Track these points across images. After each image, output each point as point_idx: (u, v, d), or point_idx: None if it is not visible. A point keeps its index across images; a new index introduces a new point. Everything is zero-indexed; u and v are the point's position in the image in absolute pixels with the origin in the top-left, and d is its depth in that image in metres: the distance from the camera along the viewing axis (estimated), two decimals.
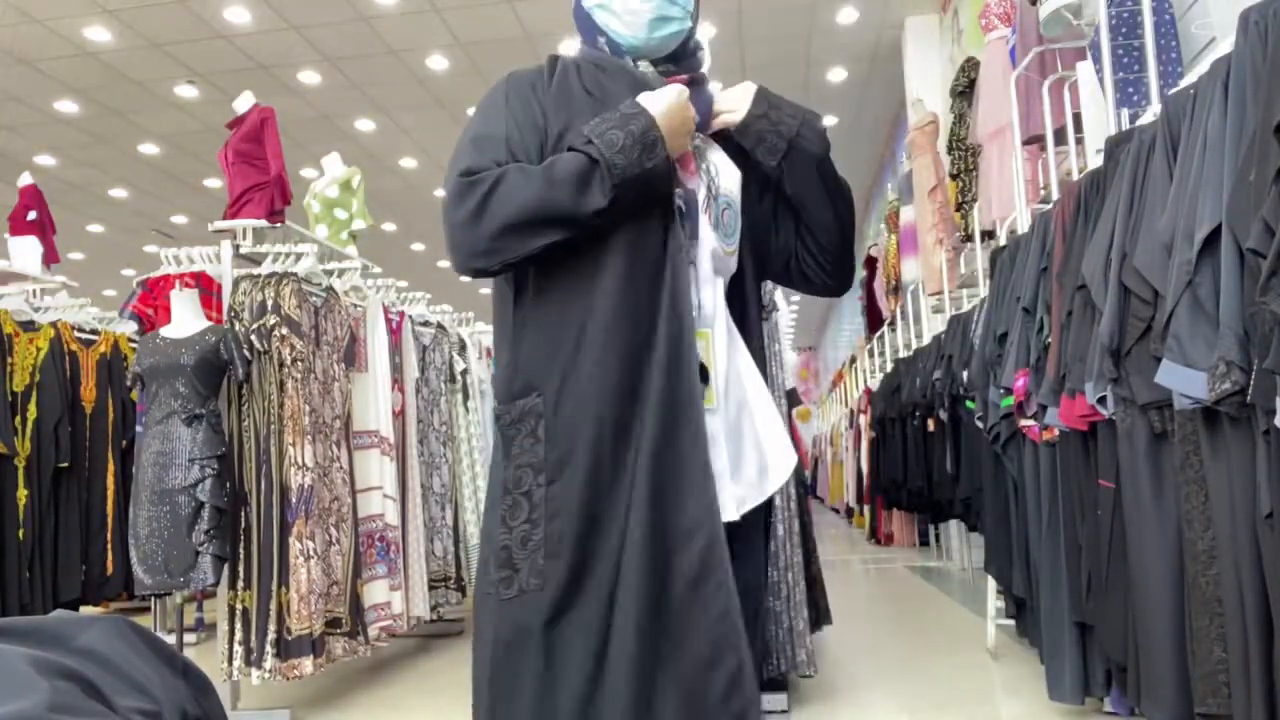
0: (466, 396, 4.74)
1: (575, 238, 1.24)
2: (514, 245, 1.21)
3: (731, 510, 1.28)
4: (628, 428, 1.24)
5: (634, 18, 1.34)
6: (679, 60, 1.41)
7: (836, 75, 8.63)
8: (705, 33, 3.53)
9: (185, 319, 3.20)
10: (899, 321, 7.54)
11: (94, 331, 4.10)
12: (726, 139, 1.46)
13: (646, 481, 1.22)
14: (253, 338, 3.20)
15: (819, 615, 3.29)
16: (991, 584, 3.69)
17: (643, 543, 1.20)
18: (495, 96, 1.37)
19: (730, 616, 1.20)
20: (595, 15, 1.38)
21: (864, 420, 8.36)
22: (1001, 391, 3.02)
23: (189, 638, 4.52)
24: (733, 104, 1.40)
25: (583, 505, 1.23)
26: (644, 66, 1.39)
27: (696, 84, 1.41)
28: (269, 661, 3.05)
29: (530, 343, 1.30)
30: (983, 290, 4.58)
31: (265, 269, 3.42)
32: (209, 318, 3.31)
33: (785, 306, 3.84)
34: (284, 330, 3.23)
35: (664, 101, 1.28)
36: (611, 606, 1.22)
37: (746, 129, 1.39)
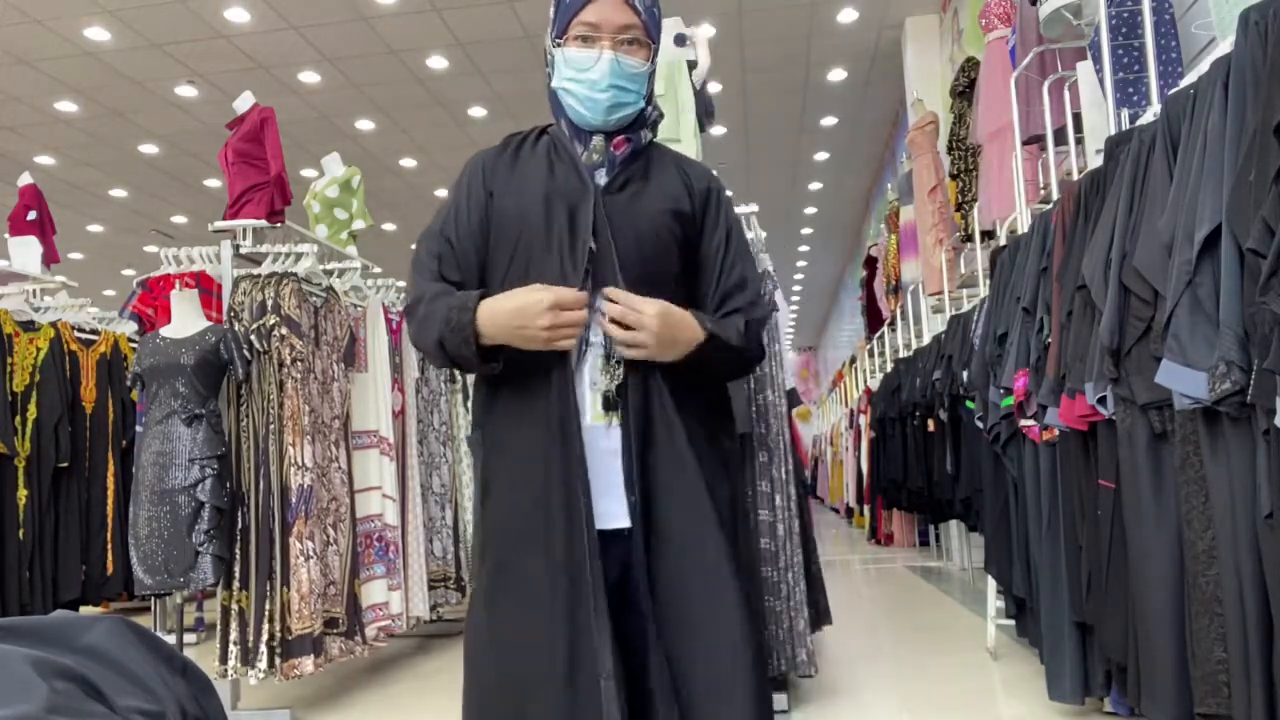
0: (466, 396, 4.74)
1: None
2: (437, 363, 1.60)
3: (624, 518, 1.41)
4: (532, 460, 1.44)
5: (593, 104, 1.48)
6: (633, 130, 1.53)
7: (836, 75, 8.63)
8: (705, 33, 3.53)
9: (185, 319, 3.20)
10: (899, 321, 7.54)
11: (94, 331, 4.10)
12: (668, 165, 1.58)
13: (551, 500, 1.42)
14: (252, 338, 3.20)
15: (819, 615, 3.28)
16: (991, 584, 3.69)
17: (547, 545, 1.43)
18: (458, 180, 1.59)
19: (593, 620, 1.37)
20: (560, 95, 1.52)
21: (864, 420, 8.36)
22: (1001, 391, 3.02)
23: (189, 638, 4.52)
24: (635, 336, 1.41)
25: (501, 522, 1.47)
26: (597, 139, 1.52)
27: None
28: (262, 661, 3.05)
29: (479, 388, 1.57)
30: (983, 290, 4.58)
31: (265, 269, 3.42)
32: (209, 318, 3.31)
33: (785, 306, 3.84)
34: (284, 330, 3.23)
35: (508, 311, 1.39)
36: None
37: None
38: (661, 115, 1.61)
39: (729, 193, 1.65)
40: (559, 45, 1.50)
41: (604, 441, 1.43)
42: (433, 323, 1.45)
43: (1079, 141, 3.39)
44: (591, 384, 1.44)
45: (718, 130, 9.48)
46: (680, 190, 1.55)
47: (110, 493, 4.00)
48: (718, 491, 1.46)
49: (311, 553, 3.14)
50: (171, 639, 3.88)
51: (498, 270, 1.51)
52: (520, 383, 1.46)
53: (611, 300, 1.40)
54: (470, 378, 4.77)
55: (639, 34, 1.47)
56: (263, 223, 3.58)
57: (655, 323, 1.39)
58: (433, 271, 1.51)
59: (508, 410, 1.48)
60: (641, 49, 1.49)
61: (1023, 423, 2.87)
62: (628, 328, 1.40)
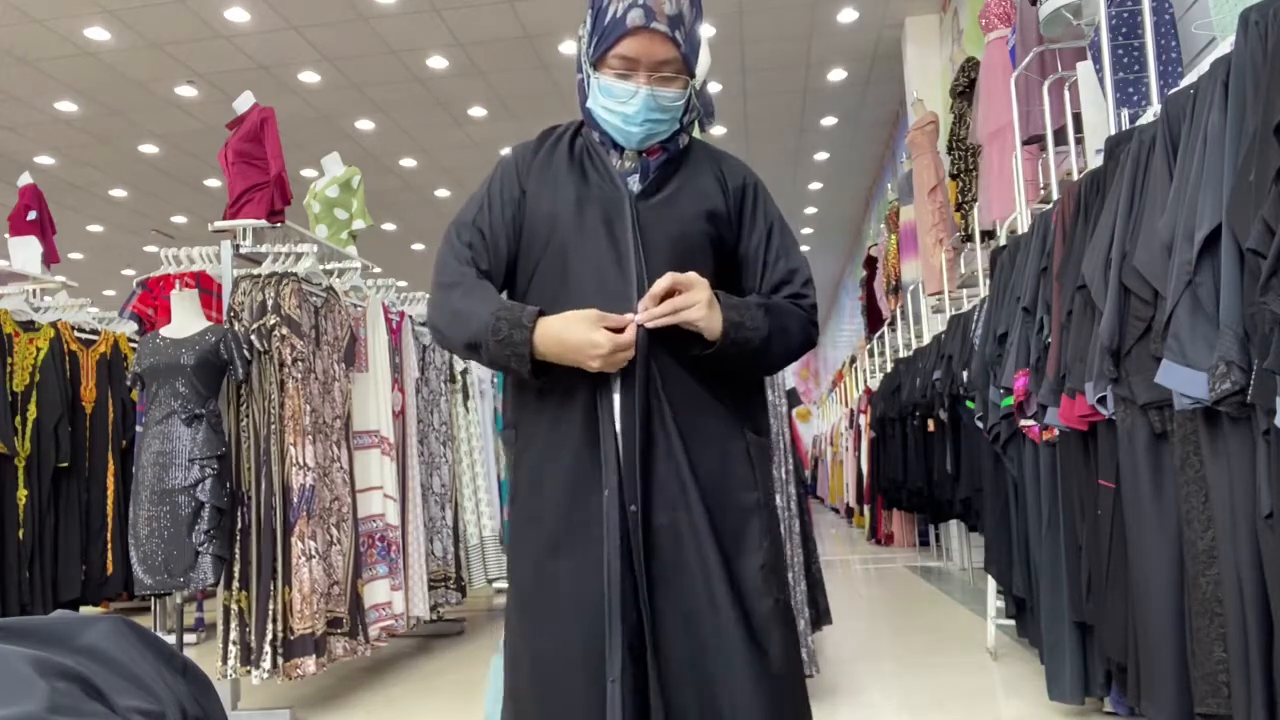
0: (466, 396, 4.74)
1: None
2: (458, 354, 1.54)
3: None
4: (568, 461, 1.47)
5: (626, 135, 1.49)
6: (669, 140, 1.53)
7: (836, 75, 8.63)
8: (705, 33, 3.53)
9: (185, 319, 3.20)
10: (899, 321, 7.54)
11: (94, 331, 4.10)
12: (700, 161, 1.56)
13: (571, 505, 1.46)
14: (253, 338, 3.20)
15: (819, 615, 3.29)
16: (991, 584, 3.69)
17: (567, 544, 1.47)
18: (491, 173, 1.60)
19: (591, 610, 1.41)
20: (595, 115, 1.51)
21: (864, 420, 8.36)
22: (1001, 391, 3.02)
23: (189, 638, 4.52)
24: (695, 312, 1.41)
25: (535, 520, 1.49)
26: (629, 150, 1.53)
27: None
28: (266, 661, 3.05)
29: (511, 390, 1.60)
30: (983, 290, 4.59)
31: (265, 269, 3.42)
32: (209, 318, 3.31)
33: None
34: (284, 330, 3.23)
35: (565, 345, 1.39)
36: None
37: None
38: (699, 112, 1.60)
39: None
40: (595, 70, 1.49)
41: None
42: (469, 322, 1.44)
43: (1079, 141, 3.39)
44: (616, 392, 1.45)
45: (718, 130, 9.48)
46: (715, 189, 1.54)
47: (110, 493, 4.00)
48: (733, 497, 1.46)
49: (314, 552, 3.14)
50: (171, 639, 3.88)
51: (531, 271, 1.52)
52: (558, 386, 1.46)
53: (658, 299, 1.40)
54: (472, 376, 4.79)
55: (677, 68, 1.46)
56: (263, 223, 3.58)
57: (696, 289, 1.40)
58: (466, 257, 1.51)
59: (543, 411, 1.49)
60: (678, 81, 1.47)
61: (1023, 423, 2.87)
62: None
